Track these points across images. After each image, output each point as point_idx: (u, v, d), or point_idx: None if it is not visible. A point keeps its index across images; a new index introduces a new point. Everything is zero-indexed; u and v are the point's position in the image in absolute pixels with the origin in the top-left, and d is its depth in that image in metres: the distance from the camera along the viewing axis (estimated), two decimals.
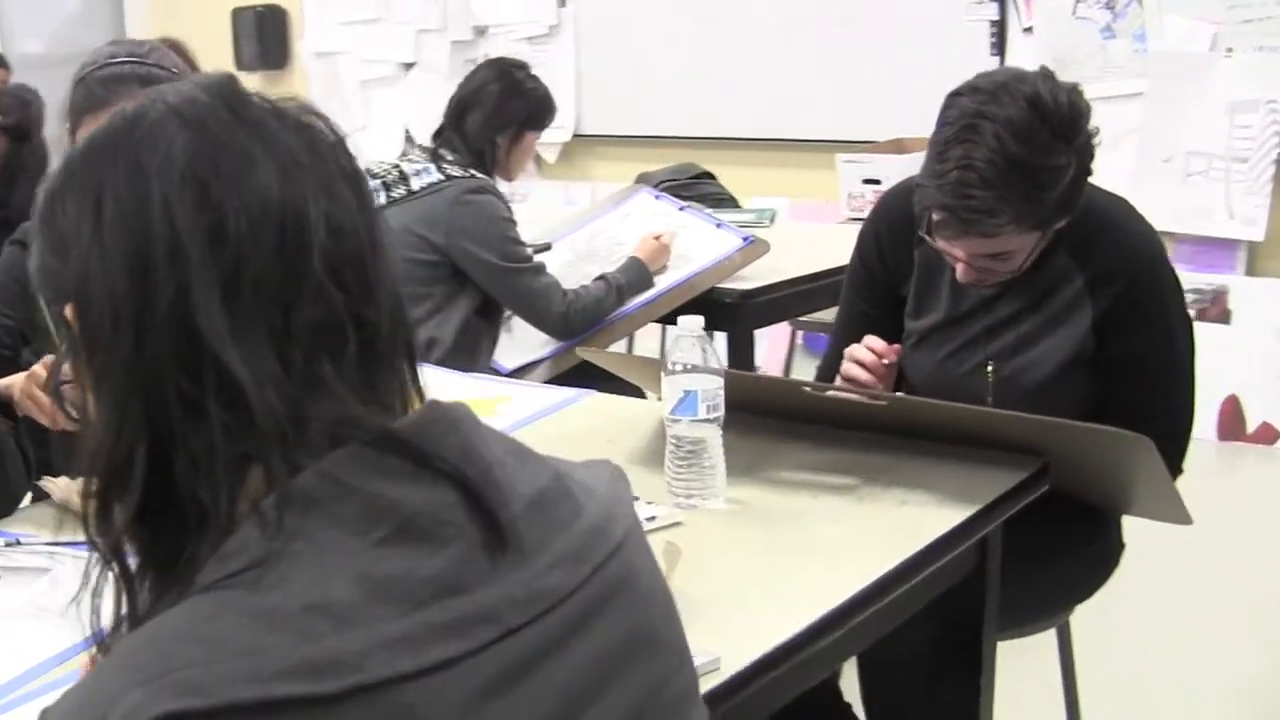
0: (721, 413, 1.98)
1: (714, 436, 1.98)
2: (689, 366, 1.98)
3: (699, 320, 2.00)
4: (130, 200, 0.95)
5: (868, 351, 2.36)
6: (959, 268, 2.29)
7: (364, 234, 1.00)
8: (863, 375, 2.34)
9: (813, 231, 4.64)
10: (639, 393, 2.94)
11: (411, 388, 1.03)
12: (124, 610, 0.98)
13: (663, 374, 2.00)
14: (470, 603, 0.92)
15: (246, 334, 0.93)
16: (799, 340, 5.24)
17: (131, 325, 0.94)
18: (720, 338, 3.63)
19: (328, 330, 0.96)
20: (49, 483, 2.16)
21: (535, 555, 0.97)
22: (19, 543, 1.97)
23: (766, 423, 2.25)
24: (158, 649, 0.86)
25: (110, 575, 0.98)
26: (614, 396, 2.54)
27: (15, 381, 2.15)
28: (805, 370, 4.80)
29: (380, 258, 1.01)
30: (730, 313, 3.64)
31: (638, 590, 1.04)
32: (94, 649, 1.38)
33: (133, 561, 0.98)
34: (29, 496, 2.18)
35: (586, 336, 3.55)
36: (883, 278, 2.51)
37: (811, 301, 3.84)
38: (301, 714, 0.84)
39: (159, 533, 0.96)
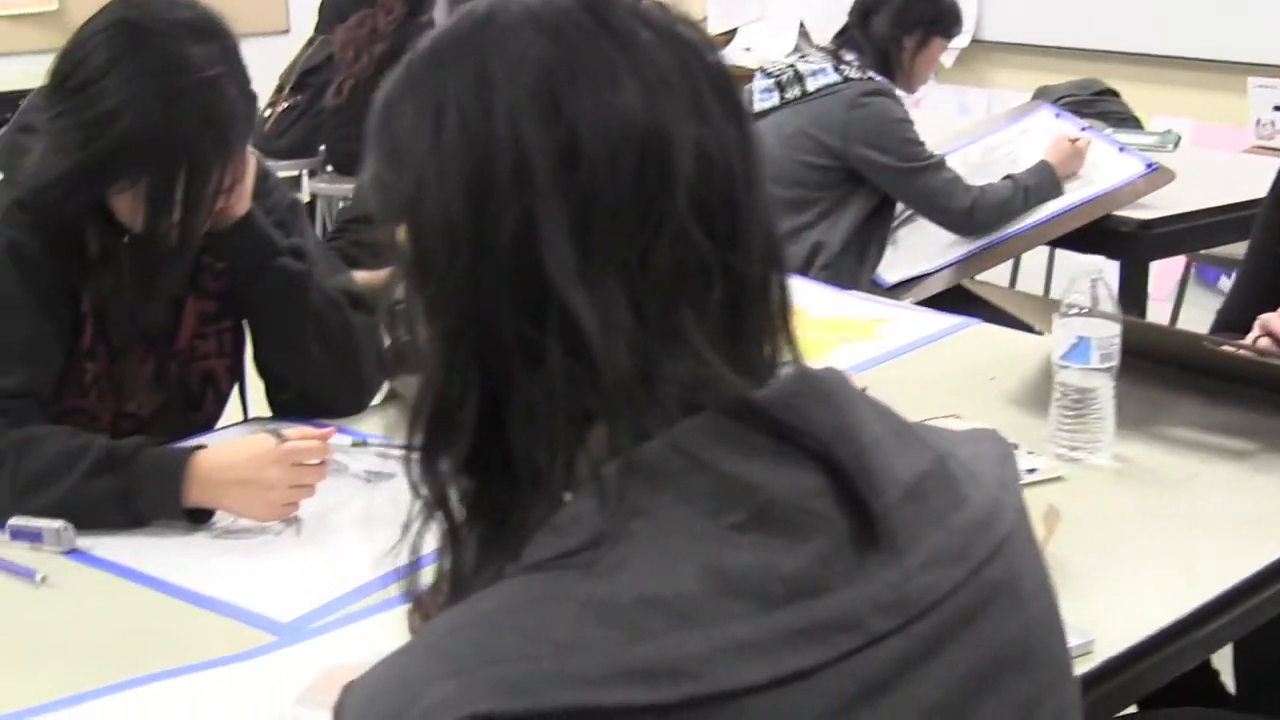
0: (1115, 362, 1.87)
1: (1105, 387, 1.87)
2: (1084, 310, 1.87)
3: (1100, 261, 1.90)
4: (474, 112, 0.84)
5: None
6: None
7: (738, 167, 0.87)
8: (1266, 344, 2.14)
9: (1216, 160, 4.35)
10: (1021, 322, 2.82)
11: (784, 341, 0.90)
12: (446, 567, 0.91)
13: (1055, 316, 1.89)
14: (831, 606, 0.80)
15: (596, 275, 0.82)
16: (1192, 270, 4.96)
17: (469, 254, 0.84)
18: (1113, 267, 3.45)
19: (689, 277, 0.84)
20: (403, 381, 2.17)
21: (907, 553, 0.84)
22: (365, 443, 1.98)
23: (1160, 371, 2.12)
24: (475, 635, 0.78)
25: (434, 524, 0.91)
26: (998, 328, 2.43)
27: None
28: (1198, 303, 4.54)
29: (756, 196, 0.88)
30: (1126, 242, 3.45)
31: (1017, 596, 0.90)
32: (410, 605, 1.37)
33: (460, 513, 0.90)
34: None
35: (981, 251, 3.42)
36: None
37: (1213, 236, 3.61)
38: None
39: (487, 488, 0.88)
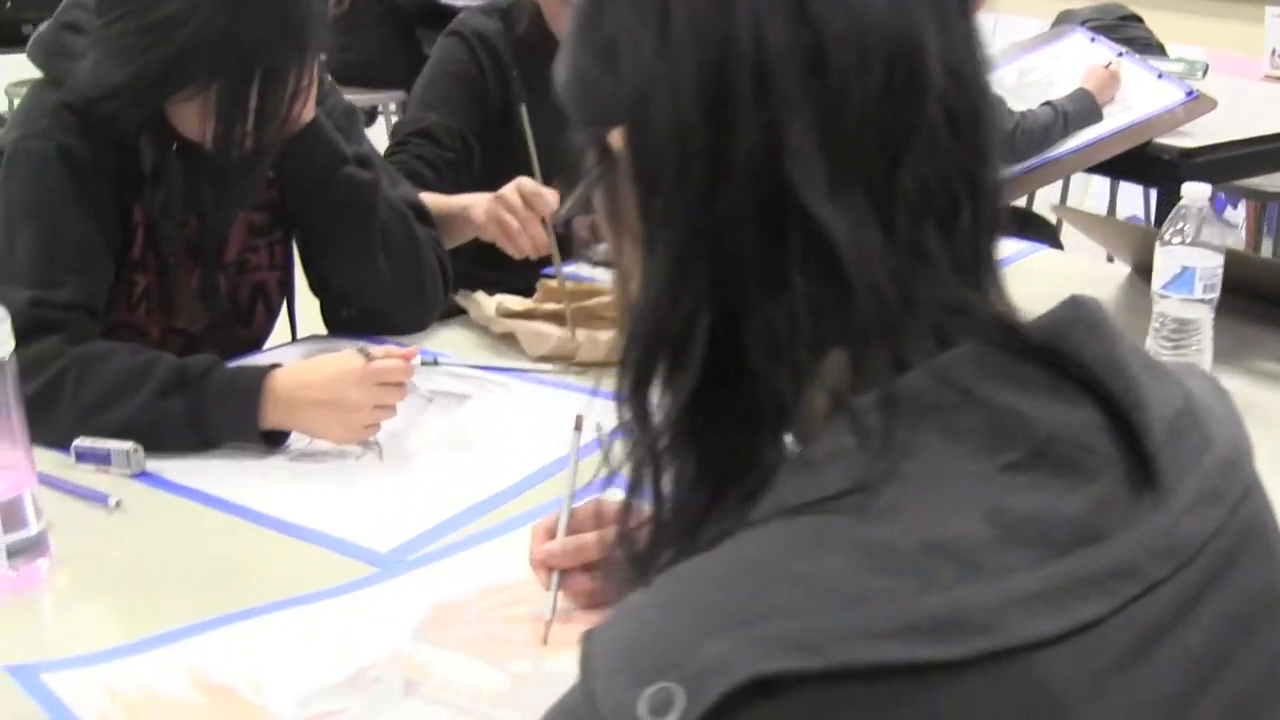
0: (1217, 294, 1.80)
1: (1206, 318, 1.80)
2: (1189, 240, 1.80)
3: (1205, 189, 1.82)
4: (709, 12, 0.76)
5: None
6: None
7: (978, 77, 0.81)
8: None
9: (1240, 89, 4.28)
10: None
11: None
12: (665, 510, 0.83)
13: (1157, 244, 1.82)
14: (1112, 552, 0.73)
15: (845, 188, 0.75)
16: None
17: (704, 165, 0.76)
18: (1152, 195, 3.39)
19: (938, 193, 0.77)
20: (466, 297, 2.11)
21: (1173, 494, 0.77)
22: (436, 362, 1.92)
23: (1245, 305, 2.05)
24: (744, 587, 0.69)
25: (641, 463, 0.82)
26: (1065, 255, 2.37)
27: (479, 201, 2.09)
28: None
29: (991, 109, 0.82)
30: (1166, 170, 3.38)
31: (1265, 538, 0.83)
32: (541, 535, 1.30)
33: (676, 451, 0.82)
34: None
35: (1020, 175, 3.34)
36: None
37: (1254, 166, 3.55)
38: (919, 682, 0.67)
39: (712, 424, 0.80)
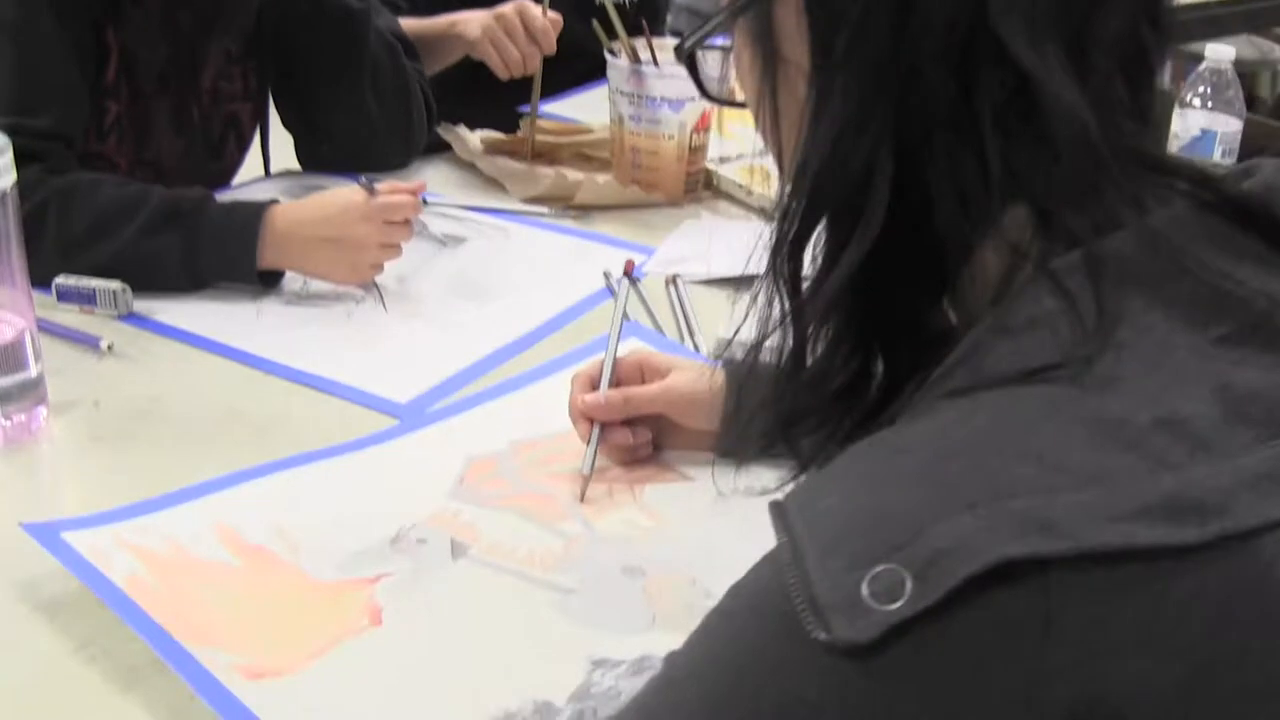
0: (1235, 160, 1.77)
1: None
2: (1210, 104, 1.75)
3: (1229, 52, 1.77)
4: None
5: None
6: None
7: None
8: None
9: None
10: None
11: None
12: (818, 370, 0.77)
13: (1176, 107, 1.78)
14: None
15: (1042, 34, 0.69)
16: None
17: (896, 3, 0.70)
18: None
19: (1127, 48, 0.71)
20: (449, 130, 2.02)
21: None
22: (426, 202, 1.81)
23: None
24: (969, 460, 0.63)
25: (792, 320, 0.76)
26: None
27: (471, 18, 1.99)
28: None
29: None
30: None
31: None
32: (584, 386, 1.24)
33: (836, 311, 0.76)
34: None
35: None
36: None
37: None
38: (1152, 567, 0.61)
39: (879, 281, 0.73)
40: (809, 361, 0.78)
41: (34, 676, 0.99)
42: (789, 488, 0.69)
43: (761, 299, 0.78)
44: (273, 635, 1.02)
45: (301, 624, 1.04)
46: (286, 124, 1.93)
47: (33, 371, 1.27)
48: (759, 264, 0.77)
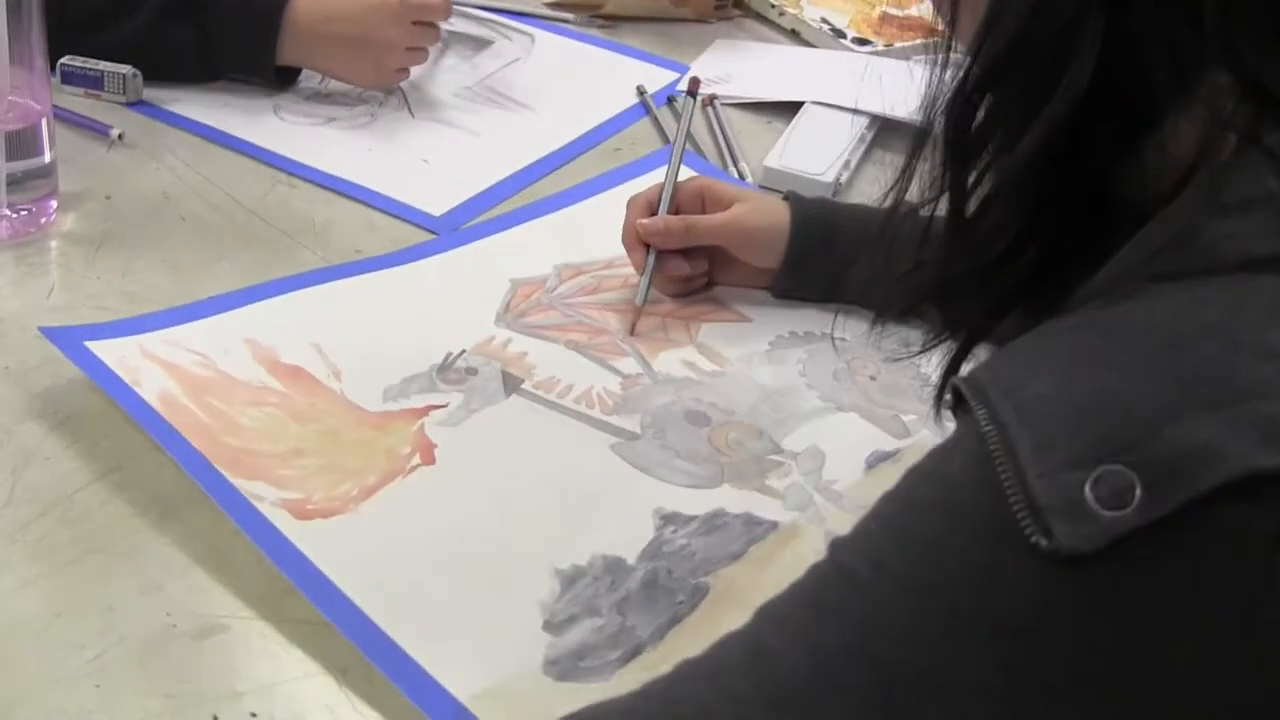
0: None
1: None
2: None
3: None
4: None
5: None
6: None
7: None
8: None
9: None
10: None
11: None
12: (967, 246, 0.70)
13: None
14: None
15: None
16: None
17: None
18: None
19: None
20: None
21: None
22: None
23: None
24: (1208, 355, 0.56)
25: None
26: None
27: None
28: None
29: None
30: None
31: None
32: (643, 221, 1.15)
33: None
34: None
35: None
36: None
37: None
38: None
39: (1072, 152, 0.65)
40: (975, 225, 0.70)
41: (53, 504, 0.91)
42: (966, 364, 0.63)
43: (931, 157, 0.70)
44: (320, 470, 0.95)
45: (350, 459, 0.97)
46: None
47: (46, 157, 1.18)
48: (925, 113, 0.69)
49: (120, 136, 1.32)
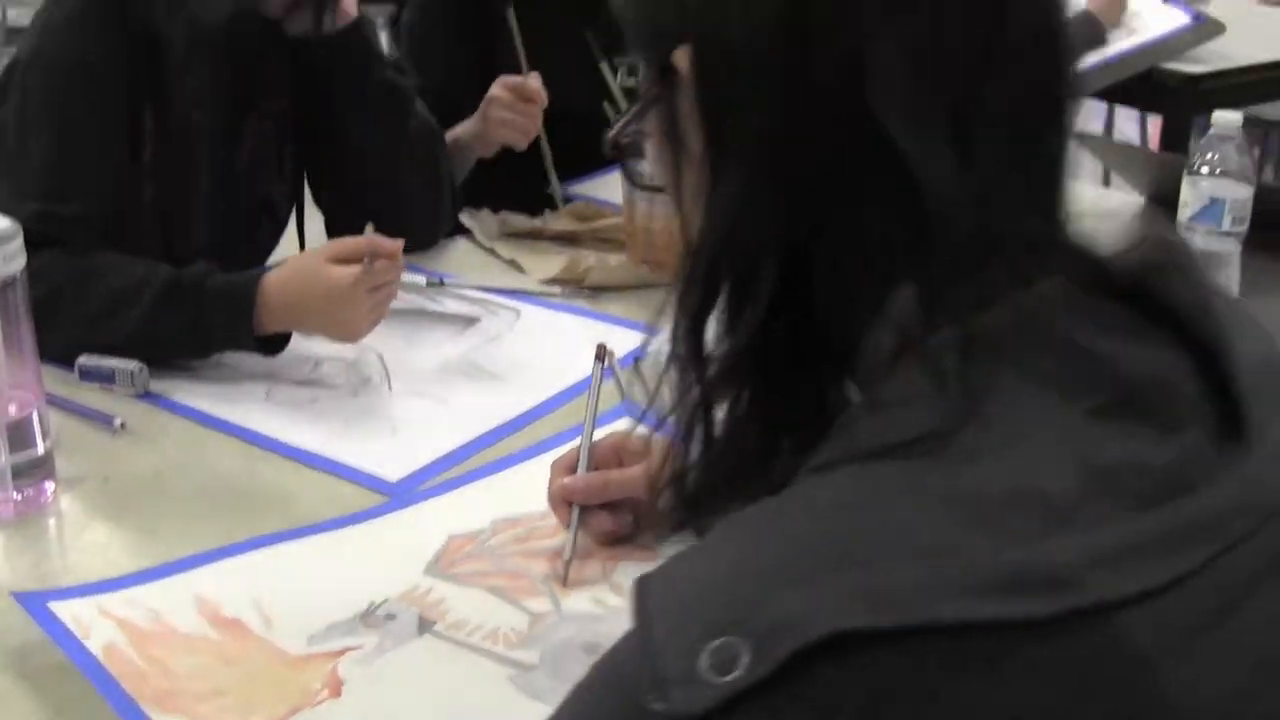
0: (1245, 227, 1.77)
1: (1233, 254, 1.77)
2: (1219, 170, 1.76)
3: (1236, 118, 1.77)
4: None
5: None
6: None
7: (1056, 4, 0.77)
8: None
9: (1260, 13, 4.20)
10: None
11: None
12: (717, 448, 0.80)
13: (1185, 174, 1.78)
14: (1199, 505, 0.68)
15: (925, 116, 0.71)
16: None
17: (779, 91, 0.72)
18: (1155, 121, 3.34)
19: (1017, 119, 0.74)
20: (471, 215, 2.08)
21: (1258, 444, 0.73)
22: (442, 283, 1.87)
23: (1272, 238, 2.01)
24: (816, 535, 0.64)
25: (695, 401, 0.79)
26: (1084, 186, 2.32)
27: (465, 124, 2.07)
28: None
29: (1067, 31, 0.77)
30: (1173, 96, 3.33)
31: None
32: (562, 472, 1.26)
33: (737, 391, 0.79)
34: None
35: None
36: None
37: (1265, 92, 3.49)
38: (1001, 641, 0.62)
39: (773, 362, 0.77)
40: (715, 439, 0.81)
41: None
42: None
43: (672, 377, 0.81)
44: (235, 706, 1.06)
45: (264, 694, 1.08)
46: (320, 202, 1.99)
47: (40, 449, 1.34)
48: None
49: (122, 425, 1.48)
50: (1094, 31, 3.33)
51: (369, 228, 1.60)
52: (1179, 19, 3.40)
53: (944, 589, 0.62)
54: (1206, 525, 0.69)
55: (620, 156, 0.89)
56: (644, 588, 0.67)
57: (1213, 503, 0.69)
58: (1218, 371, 0.72)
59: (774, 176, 0.74)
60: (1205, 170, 1.77)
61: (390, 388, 1.60)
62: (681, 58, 0.76)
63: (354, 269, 1.55)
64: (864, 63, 0.71)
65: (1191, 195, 1.77)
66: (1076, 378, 0.70)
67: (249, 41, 1.80)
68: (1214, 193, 1.75)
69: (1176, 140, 3.41)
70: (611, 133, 0.87)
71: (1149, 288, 0.73)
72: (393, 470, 1.42)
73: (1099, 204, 2.21)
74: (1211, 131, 1.78)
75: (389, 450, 1.46)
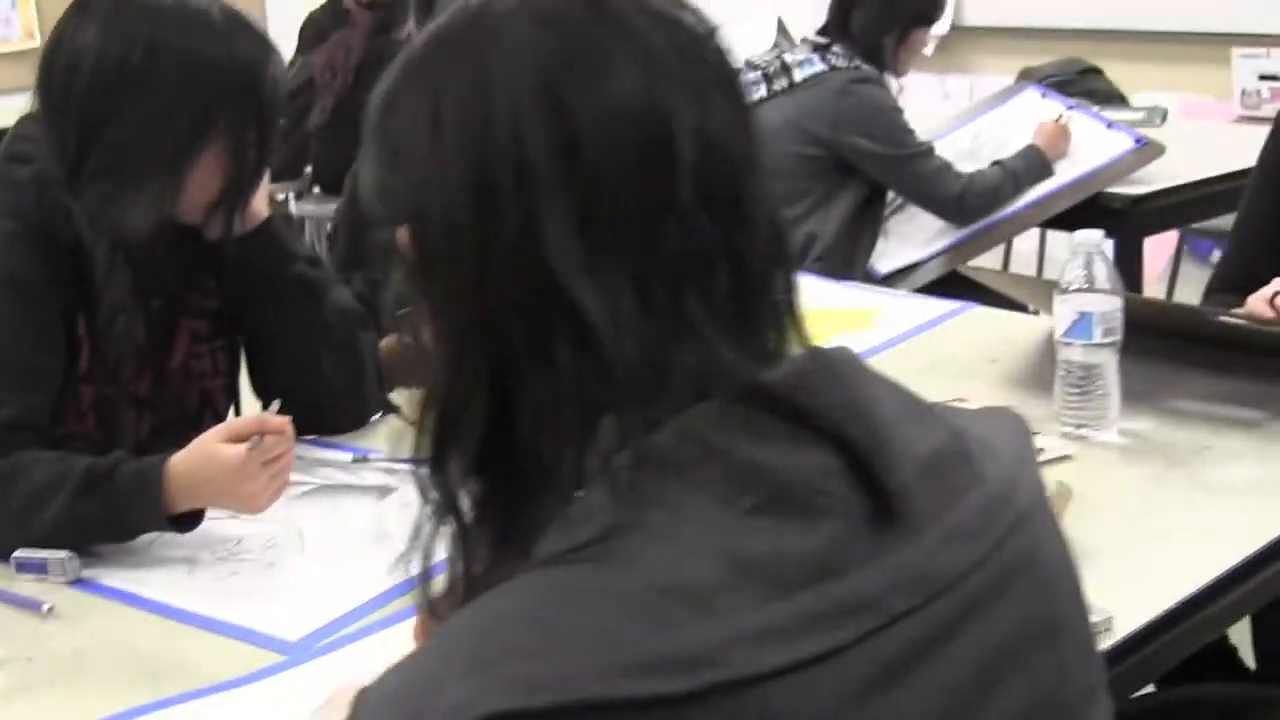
0: (1119, 337, 1.85)
1: (1109, 362, 1.86)
2: (1085, 286, 1.85)
3: (1097, 235, 1.87)
4: (473, 110, 0.83)
5: None
6: None
7: (740, 150, 0.86)
8: (1269, 314, 2.06)
9: (1204, 131, 4.34)
10: (1018, 304, 2.80)
11: (791, 327, 0.89)
12: (458, 570, 0.90)
13: (1055, 293, 1.88)
14: (849, 586, 0.78)
15: (603, 266, 0.81)
16: (1185, 246, 4.95)
17: (473, 254, 0.83)
18: (1107, 245, 3.43)
19: (695, 263, 0.83)
20: (401, 394, 2.17)
21: (926, 529, 0.82)
22: (366, 459, 1.96)
23: (1163, 345, 2.09)
24: (489, 634, 0.76)
25: (444, 527, 0.90)
26: (997, 311, 2.42)
27: None
28: (1192, 278, 4.52)
29: (759, 180, 0.87)
30: (1119, 219, 3.44)
31: (1041, 571, 0.88)
32: (422, 611, 1.34)
33: (470, 515, 0.89)
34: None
35: (973, 236, 3.42)
36: None
37: (1206, 209, 3.59)
38: (648, 715, 0.73)
39: (497, 488, 0.87)
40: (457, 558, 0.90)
41: None
42: None
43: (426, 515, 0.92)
44: None
45: None
46: (255, 390, 2.11)
47: None
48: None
49: (50, 609, 1.59)
50: (1039, 164, 3.46)
51: (274, 405, 1.71)
52: (1122, 143, 3.52)
53: (592, 672, 0.73)
54: (858, 604, 0.78)
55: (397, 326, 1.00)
56: (359, 698, 0.79)
57: (868, 584, 0.79)
58: (868, 466, 0.81)
59: (478, 333, 0.85)
60: (1073, 287, 1.86)
61: (302, 548, 1.70)
62: (404, 235, 0.88)
63: (243, 447, 1.66)
64: (541, 223, 0.82)
65: (1063, 312, 1.86)
66: (732, 483, 0.80)
67: (173, 247, 1.93)
68: (1082, 307, 1.84)
69: (1130, 261, 3.51)
70: (390, 304, 0.98)
71: (797, 397, 0.83)
72: (293, 630, 1.51)
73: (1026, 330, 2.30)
74: (1075, 249, 1.88)
75: (293, 611, 1.55)
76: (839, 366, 0.86)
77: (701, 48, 0.88)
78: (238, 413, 2.14)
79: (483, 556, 0.89)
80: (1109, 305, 1.84)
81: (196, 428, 2.05)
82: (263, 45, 1.86)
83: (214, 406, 2.09)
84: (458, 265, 0.84)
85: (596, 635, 0.74)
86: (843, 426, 0.82)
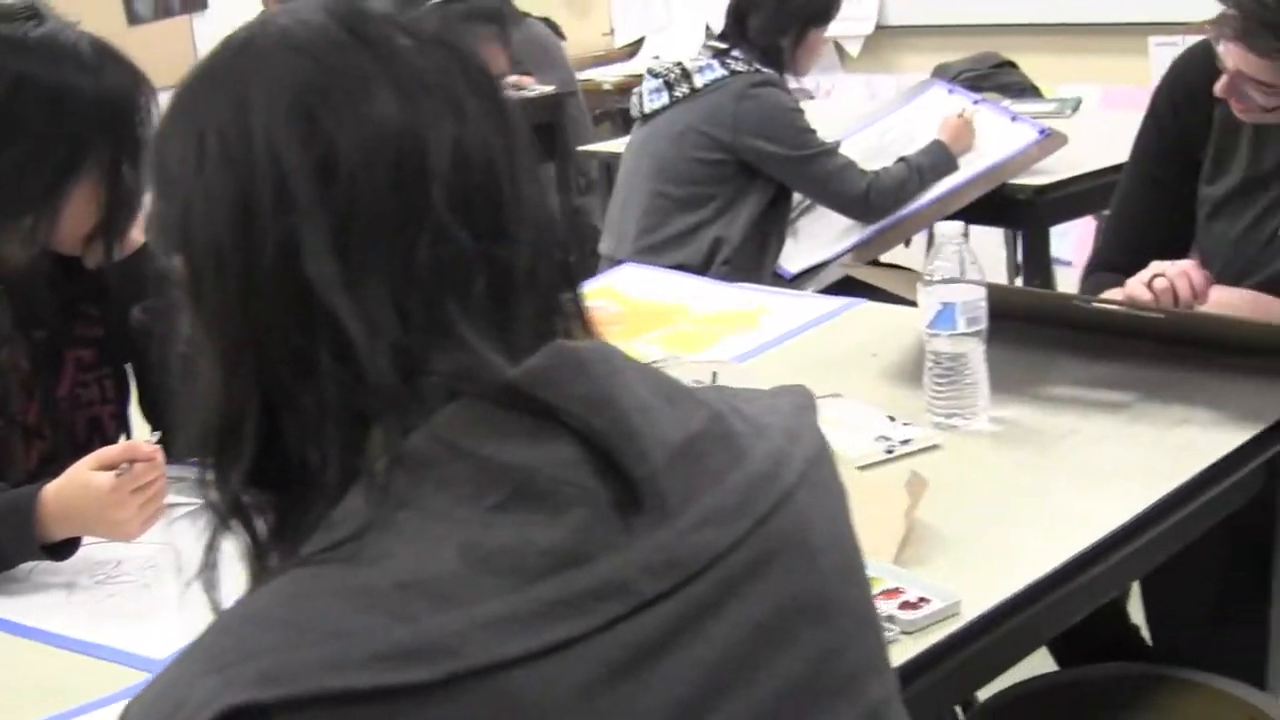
0: (983, 326, 1.88)
1: (975, 351, 1.89)
2: (947, 277, 1.88)
3: (958, 226, 1.90)
4: (232, 138, 0.87)
5: (1186, 283, 2.05)
6: (1220, 81, 2.11)
7: (500, 161, 0.90)
8: (1146, 297, 2.08)
9: (1119, 120, 4.37)
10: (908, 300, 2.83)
11: (578, 329, 0.93)
12: (249, 575, 0.92)
13: (919, 285, 1.91)
14: (594, 574, 0.81)
15: (359, 281, 0.85)
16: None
17: (237, 276, 0.87)
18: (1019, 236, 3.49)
19: (451, 272, 0.87)
20: None
21: (679, 514, 0.85)
22: None
23: (1037, 333, 2.13)
24: (238, 632, 0.80)
25: (227, 542, 0.92)
26: (882, 305, 2.45)
27: None
28: None
29: (521, 187, 0.91)
30: (1024, 210, 3.49)
31: (808, 547, 0.91)
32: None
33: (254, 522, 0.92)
34: None
35: (880, 233, 3.46)
36: (1175, 136, 2.31)
37: (1110, 195, 3.62)
38: (390, 705, 0.76)
39: (272, 496, 0.90)
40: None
41: None
42: None
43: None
44: None
45: None
46: (144, 416, 2.13)
47: None
48: None
49: None
50: (944, 158, 3.50)
51: (153, 436, 1.74)
52: (1026, 135, 3.56)
53: (332, 665, 0.76)
54: (605, 590, 0.82)
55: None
56: (130, 702, 0.82)
57: (614, 570, 0.82)
58: (614, 454, 0.85)
59: (244, 350, 0.88)
60: (936, 279, 1.89)
61: (179, 572, 1.72)
62: (179, 261, 0.92)
63: (112, 475, 1.69)
64: (300, 242, 0.85)
65: (926, 303, 1.89)
66: (478, 481, 0.83)
67: (52, 279, 1.95)
68: (944, 298, 1.87)
69: (1038, 251, 3.55)
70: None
71: (539, 392, 0.86)
72: (160, 648, 1.53)
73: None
74: (936, 240, 1.91)
75: (162, 631, 1.57)
76: (582, 358, 0.89)
77: (462, 64, 0.92)
78: (129, 439, 2.16)
79: (268, 561, 0.92)
80: (972, 295, 1.87)
81: (86, 454, 2.08)
82: (134, 75, 1.89)
83: (104, 434, 2.11)
84: (223, 286, 0.88)
85: (339, 630, 0.78)
86: (586, 418, 0.85)
